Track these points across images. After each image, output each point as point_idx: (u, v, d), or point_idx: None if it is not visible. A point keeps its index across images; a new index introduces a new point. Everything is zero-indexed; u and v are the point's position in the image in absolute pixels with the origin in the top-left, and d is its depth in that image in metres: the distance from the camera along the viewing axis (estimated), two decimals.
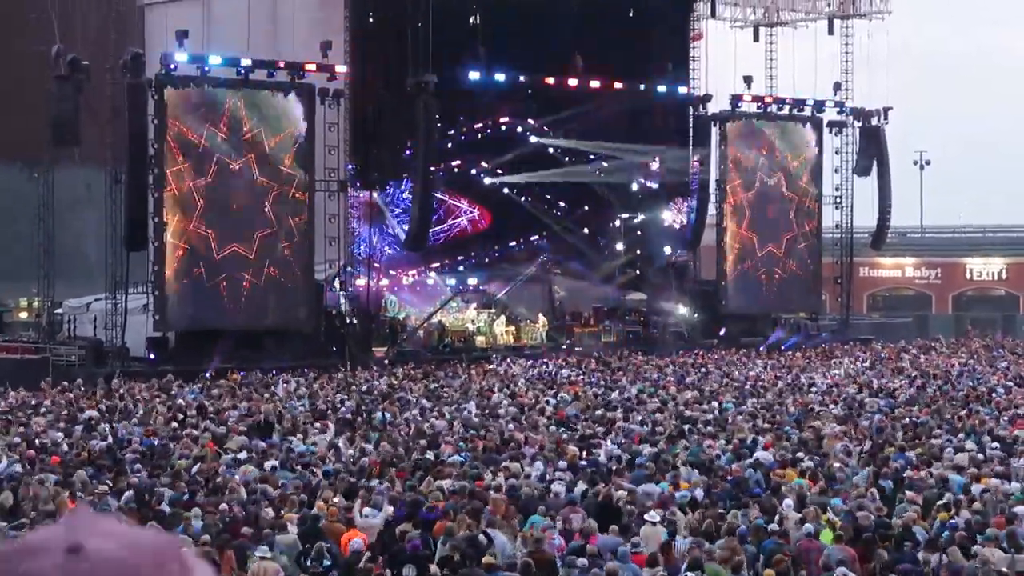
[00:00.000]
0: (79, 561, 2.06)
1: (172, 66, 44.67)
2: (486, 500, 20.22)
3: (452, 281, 56.93)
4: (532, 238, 59.34)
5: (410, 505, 19.63)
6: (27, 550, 2.08)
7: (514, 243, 59.26)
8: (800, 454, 24.77)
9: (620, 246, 59.87)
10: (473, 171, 56.69)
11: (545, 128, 57.40)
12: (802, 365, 47.44)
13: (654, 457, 24.53)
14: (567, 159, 58.23)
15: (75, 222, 48.23)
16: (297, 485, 21.67)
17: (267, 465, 23.57)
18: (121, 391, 36.92)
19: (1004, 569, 16.35)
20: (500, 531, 18.11)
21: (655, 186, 60.15)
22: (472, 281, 56.96)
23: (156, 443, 26.53)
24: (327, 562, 17.00)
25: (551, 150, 57.58)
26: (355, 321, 48.33)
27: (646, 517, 18.73)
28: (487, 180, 56.87)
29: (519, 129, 56.91)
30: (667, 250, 59.80)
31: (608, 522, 18.83)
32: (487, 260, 58.42)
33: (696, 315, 57.48)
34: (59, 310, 50.59)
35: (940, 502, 19.87)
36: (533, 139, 56.98)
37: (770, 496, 20.80)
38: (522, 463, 24.08)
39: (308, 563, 16.75)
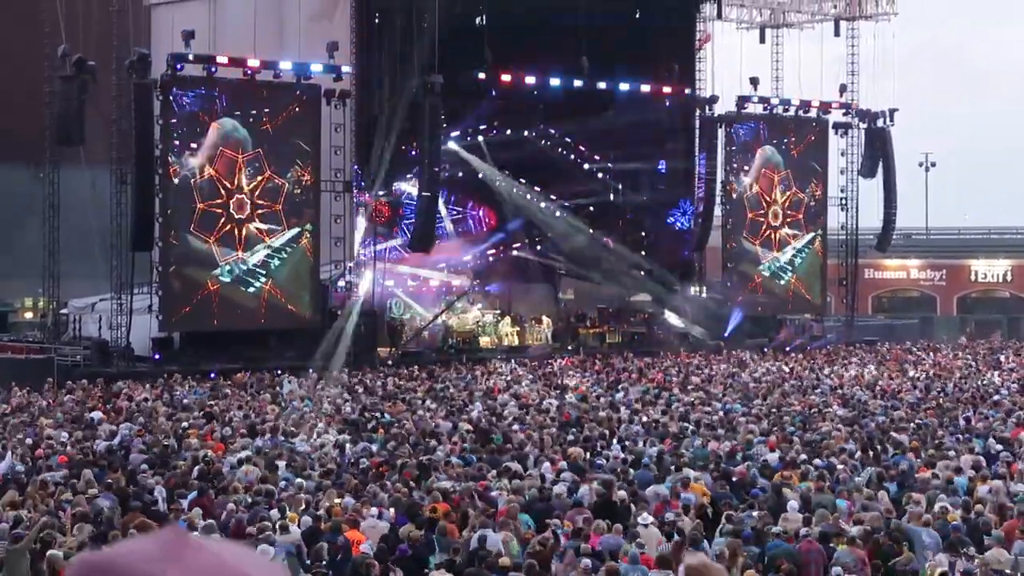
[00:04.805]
0: None
1: (178, 66, 44.65)
2: (489, 502, 20.23)
3: (457, 282, 56.85)
4: (536, 238, 59.34)
5: (413, 507, 19.63)
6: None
7: (519, 244, 59.27)
8: (804, 456, 24.74)
9: (626, 247, 59.70)
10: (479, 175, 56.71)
11: (551, 131, 57.39)
12: (807, 366, 47.39)
13: (658, 458, 24.53)
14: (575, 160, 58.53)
15: (80, 222, 48.13)
16: (301, 486, 21.68)
17: (271, 466, 23.58)
18: (126, 391, 36.91)
19: (1008, 571, 16.33)
20: (503, 532, 18.09)
21: (661, 188, 60.07)
22: (477, 282, 56.90)
23: (160, 443, 26.51)
24: (329, 563, 16.99)
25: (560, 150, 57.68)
26: (360, 322, 48.26)
27: (638, 520, 18.61)
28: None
29: (524, 132, 56.90)
30: (673, 252, 59.69)
31: (611, 522, 18.80)
32: (492, 261, 58.43)
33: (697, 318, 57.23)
34: (64, 310, 50.52)
35: (945, 503, 19.84)
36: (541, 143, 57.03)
37: (774, 498, 20.78)
38: (525, 464, 24.07)
39: (310, 564, 16.74)
